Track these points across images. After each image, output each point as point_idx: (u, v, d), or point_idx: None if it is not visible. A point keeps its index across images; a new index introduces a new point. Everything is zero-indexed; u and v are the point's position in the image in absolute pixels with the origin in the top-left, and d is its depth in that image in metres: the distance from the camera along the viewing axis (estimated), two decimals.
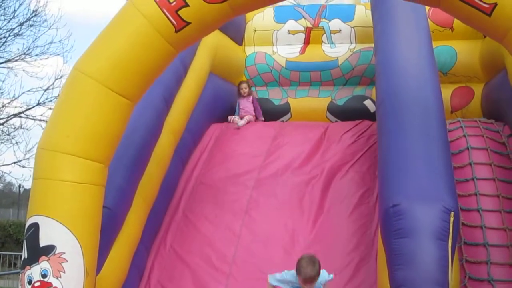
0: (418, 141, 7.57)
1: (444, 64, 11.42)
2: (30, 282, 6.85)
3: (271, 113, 11.85)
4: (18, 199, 41.84)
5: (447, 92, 11.05)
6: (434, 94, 8.30)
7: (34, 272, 6.85)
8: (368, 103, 11.70)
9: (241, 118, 11.05)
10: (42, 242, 6.88)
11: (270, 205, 9.12)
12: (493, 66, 10.49)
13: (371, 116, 10.96)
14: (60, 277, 6.81)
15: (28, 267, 6.92)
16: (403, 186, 7.02)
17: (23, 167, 26.44)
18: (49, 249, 6.85)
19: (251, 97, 11.32)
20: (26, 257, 7.01)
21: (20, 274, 7.09)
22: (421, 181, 7.02)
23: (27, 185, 30.04)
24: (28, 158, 25.67)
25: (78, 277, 6.89)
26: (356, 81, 12.08)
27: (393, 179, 7.20)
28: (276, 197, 9.23)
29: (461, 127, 9.49)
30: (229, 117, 11.10)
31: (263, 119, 11.32)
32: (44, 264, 6.84)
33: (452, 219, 6.67)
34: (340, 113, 11.77)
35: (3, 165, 32.42)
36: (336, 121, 11.58)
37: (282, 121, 11.78)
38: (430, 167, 7.22)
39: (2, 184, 51.23)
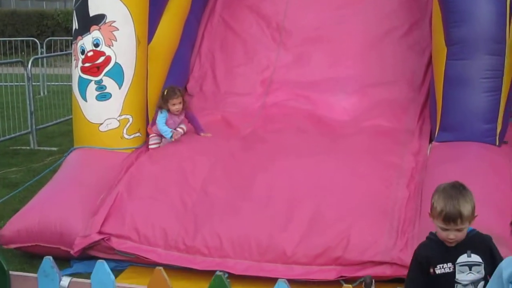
0: None
1: None
2: (83, 52, 6.91)
3: None
4: None
5: None
6: None
7: (86, 42, 6.89)
8: None
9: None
10: (92, 11, 6.85)
11: None
12: None
13: None
14: (112, 46, 6.85)
15: (80, 37, 6.95)
16: None
17: None
18: (99, 18, 6.84)
19: (188, 113, 7.32)
20: (76, 27, 7.02)
21: (73, 45, 7.14)
22: None
23: None
24: None
25: (130, 45, 6.93)
26: None
27: None
28: None
29: None
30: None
31: (209, 134, 7.23)
32: (95, 33, 6.85)
33: None
34: None
35: None
36: None
37: None
38: None
39: None
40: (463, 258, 3.47)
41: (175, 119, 7.12)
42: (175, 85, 7.27)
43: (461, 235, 3.44)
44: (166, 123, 7.02)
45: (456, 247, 3.48)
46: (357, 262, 5.28)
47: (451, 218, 3.39)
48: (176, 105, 7.00)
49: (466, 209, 3.40)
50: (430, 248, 3.56)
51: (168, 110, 7.02)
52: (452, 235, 3.43)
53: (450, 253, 3.49)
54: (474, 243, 3.49)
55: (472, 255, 3.47)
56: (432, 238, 3.59)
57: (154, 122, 7.13)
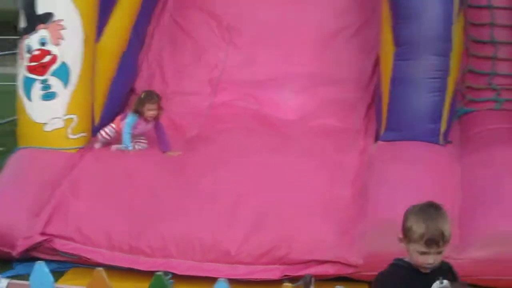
0: None
1: None
2: (29, 50, 6.82)
3: None
4: None
5: None
6: None
7: (33, 40, 6.80)
8: None
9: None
10: (40, 10, 6.77)
11: None
12: None
13: None
14: (59, 45, 6.77)
15: (26, 36, 6.86)
16: None
17: None
18: (47, 17, 6.75)
19: (157, 123, 7.04)
20: (23, 26, 6.93)
21: (19, 43, 7.03)
22: None
23: None
24: None
25: (77, 44, 6.86)
26: None
27: None
28: None
29: None
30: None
31: (173, 152, 6.85)
32: (42, 32, 6.77)
33: None
34: None
35: None
36: None
37: None
38: None
39: None
40: (436, 286, 3.17)
41: (143, 125, 6.95)
42: (152, 90, 7.18)
43: (439, 259, 3.18)
44: (135, 127, 6.89)
45: (428, 273, 3.19)
46: (301, 261, 5.31)
47: (433, 240, 3.11)
48: (152, 110, 6.84)
49: (447, 229, 3.15)
50: (399, 277, 3.25)
51: (141, 114, 6.86)
52: (432, 259, 3.15)
53: (423, 280, 3.18)
54: (442, 269, 3.26)
55: (444, 281, 3.19)
56: (401, 265, 3.29)
57: (123, 118, 7.00)
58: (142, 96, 6.94)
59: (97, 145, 6.97)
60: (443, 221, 3.17)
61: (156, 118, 6.96)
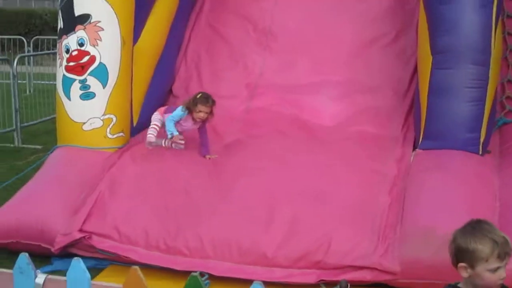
0: None
1: None
2: (67, 51, 6.89)
3: None
4: None
5: None
6: None
7: (71, 41, 6.87)
8: None
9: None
10: (77, 11, 6.84)
11: None
12: None
13: None
14: (97, 45, 6.83)
15: (64, 36, 6.94)
16: None
17: None
18: (84, 18, 6.82)
19: (203, 126, 7.03)
20: (62, 26, 7.00)
21: (57, 44, 7.11)
22: None
23: None
24: None
25: (115, 45, 6.92)
26: None
27: None
28: None
29: None
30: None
31: (212, 155, 6.82)
32: (80, 33, 6.84)
33: None
34: None
35: None
36: None
37: None
38: None
39: None
40: None
41: (190, 124, 6.93)
42: (209, 94, 6.97)
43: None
44: (179, 123, 6.88)
45: None
46: (337, 266, 5.28)
47: (505, 249, 2.95)
48: (202, 113, 6.77)
49: (507, 236, 3.00)
50: None
51: (190, 112, 6.84)
52: (505, 272, 2.97)
53: None
54: None
55: None
56: None
57: (169, 110, 7.01)
58: (198, 96, 6.85)
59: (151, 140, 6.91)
60: (499, 231, 3.02)
61: (204, 121, 6.94)
